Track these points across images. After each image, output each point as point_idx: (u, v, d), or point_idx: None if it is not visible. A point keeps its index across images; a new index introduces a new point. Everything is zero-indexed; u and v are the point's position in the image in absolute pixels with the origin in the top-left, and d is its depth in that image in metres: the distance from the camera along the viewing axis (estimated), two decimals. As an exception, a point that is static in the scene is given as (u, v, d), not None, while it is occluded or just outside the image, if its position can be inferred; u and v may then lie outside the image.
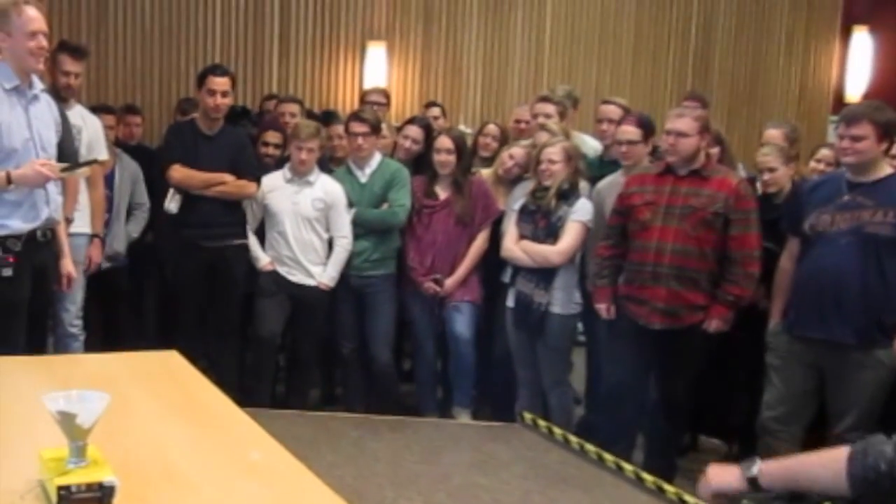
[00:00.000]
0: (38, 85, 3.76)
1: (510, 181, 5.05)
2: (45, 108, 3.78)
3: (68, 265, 3.93)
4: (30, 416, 2.08)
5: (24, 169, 3.55)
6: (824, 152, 4.55)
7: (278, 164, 5.21)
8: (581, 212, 4.55)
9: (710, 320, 4.05)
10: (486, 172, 5.14)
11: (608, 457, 4.28)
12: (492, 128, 5.52)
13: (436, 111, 6.35)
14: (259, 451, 2.14)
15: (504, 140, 5.45)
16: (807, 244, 3.88)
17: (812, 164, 4.52)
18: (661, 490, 3.98)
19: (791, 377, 3.90)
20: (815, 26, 8.60)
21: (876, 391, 3.72)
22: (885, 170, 3.77)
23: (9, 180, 3.52)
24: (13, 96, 3.62)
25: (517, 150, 5.05)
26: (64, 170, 3.72)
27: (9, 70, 3.60)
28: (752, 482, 1.91)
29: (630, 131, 4.55)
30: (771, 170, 4.38)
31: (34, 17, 3.59)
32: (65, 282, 3.94)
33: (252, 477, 1.97)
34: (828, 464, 1.85)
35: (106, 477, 1.77)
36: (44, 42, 3.65)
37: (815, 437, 3.89)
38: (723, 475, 1.97)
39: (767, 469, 1.90)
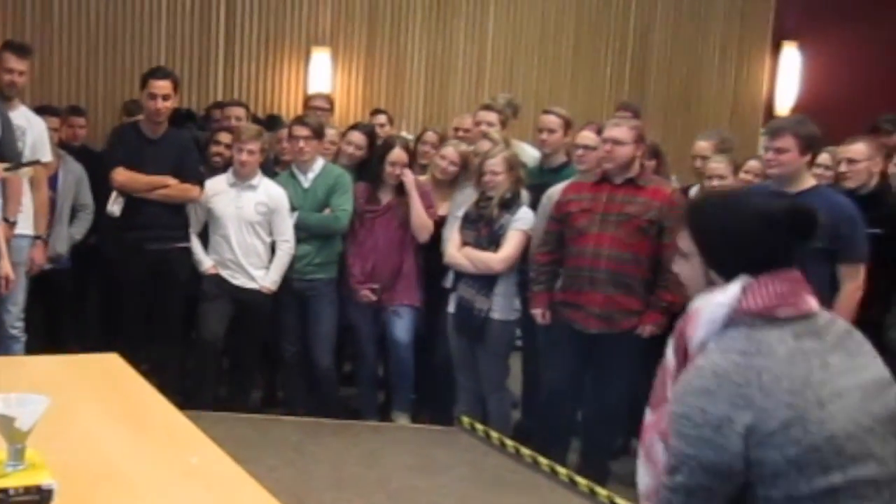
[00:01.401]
0: None
1: (448, 183, 5.13)
2: None
3: (6, 267, 3.92)
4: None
5: None
6: (752, 164, 4.68)
7: (228, 165, 5.23)
8: (522, 220, 4.64)
9: (644, 326, 4.16)
10: (423, 179, 5.21)
11: (543, 460, 4.37)
12: (430, 135, 5.60)
13: (382, 118, 6.41)
14: (199, 454, 2.18)
15: None
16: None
17: (742, 175, 4.65)
18: (593, 493, 4.08)
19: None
20: (748, 40, 8.80)
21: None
22: (808, 181, 3.91)
23: None
24: None
25: (449, 151, 5.13)
26: (7, 169, 3.72)
27: None
28: None
29: (588, 137, 4.66)
30: (721, 177, 4.49)
31: None
32: (3, 284, 3.92)
33: (192, 480, 2.01)
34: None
35: (44, 480, 1.79)
36: None
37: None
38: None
39: None
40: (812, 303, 1.87)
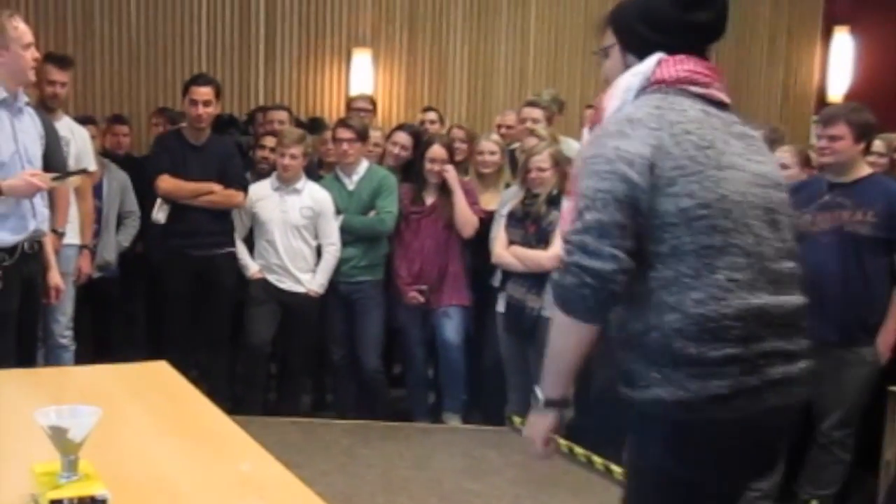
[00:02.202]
0: (23, 98, 3.77)
1: (491, 177, 5.13)
2: (30, 121, 3.80)
3: (55, 277, 3.94)
4: (22, 430, 2.08)
5: (14, 180, 3.57)
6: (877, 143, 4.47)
7: (275, 169, 5.23)
8: (570, 216, 4.57)
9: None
10: (465, 179, 5.18)
11: (597, 460, 4.31)
12: (456, 132, 5.58)
13: (432, 115, 6.38)
14: (249, 461, 2.15)
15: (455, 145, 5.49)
16: (790, 245, 3.92)
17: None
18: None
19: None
20: (797, 28, 8.64)
21: (860, 389, 3.77)
22: (863, 170, 3.82)
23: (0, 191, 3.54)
24: (1, 109, 3.64)
25: (485, 143, 5.19)
26: (54, 179, 3.74)
27: None
28: (550, 403, 2.03)
29: None
30: (784, 167, 4.38)
31: (25, 29, 3.62)
32: (53, 294, 3.95)
33: (243, 488, 1.99)
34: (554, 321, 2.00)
35: (98, 490, 1.78)
36: (37, 54, 3.71)
37: (802, 436, 3.93)
38: (535, 428, 2.05)
39: (542, 384, 2.03)
40: (724, 97, 2.00)
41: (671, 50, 1.99)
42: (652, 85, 1.96)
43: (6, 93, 3.63)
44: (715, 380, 1.79)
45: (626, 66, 2.04)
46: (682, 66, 1.97)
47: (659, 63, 1.98)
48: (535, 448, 2.05)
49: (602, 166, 1.85)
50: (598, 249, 1.81)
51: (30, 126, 3.79)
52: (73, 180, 4.03)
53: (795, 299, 1.93)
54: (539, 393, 2.02)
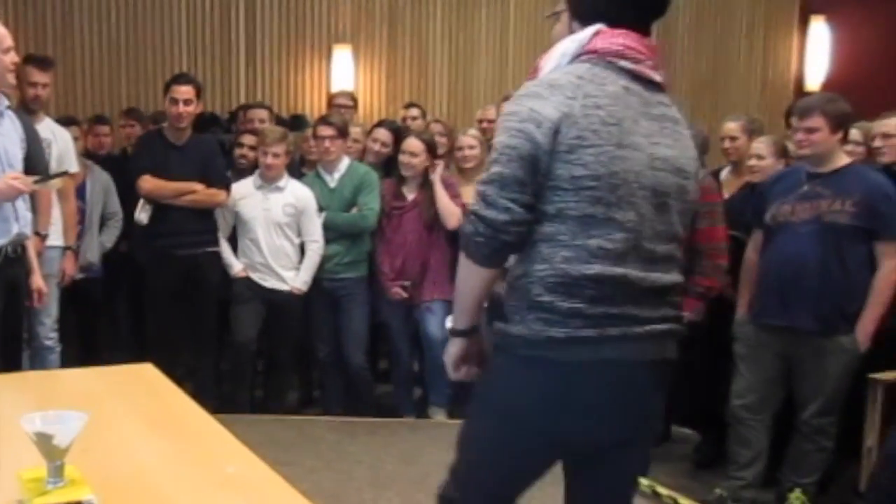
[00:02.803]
0: (3, 102, 3.76)
1: (471, 171, 5.14)
2: (10, 124, 3.79)
3: (38, 281, 3.94)
4: (7, 435, 2.09)
5: None
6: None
7: (254, 168, 5.23)
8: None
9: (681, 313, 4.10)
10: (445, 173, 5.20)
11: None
12: (435, 126, 5.60)
13: (414, 112, 6.39)
14: (235, 463, 2.17)
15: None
16: (769, 235, 3.96)
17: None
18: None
19: (758, 366, 3.97)
20: (775, 17, 8.68)
21: (840, 377, 3.80)
22: (842, 160, 3.85)
23: None
24: None
25: (463, 138, 5.25)
26: (36, 182, 3.73)
27: None
28: (457, 333, 2.20)
29: None
30: (759, 157, 4.41)
31: (5, 33, 3.61)
32: (35, 297, 3.95)
33: (229, 490, 2.00)
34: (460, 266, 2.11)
35: (85, 496, 1.79)
36: (16, 58, 3.70)
37: (785, 424, 3.98)
38: (447, 354, 2.22)
39: (453, 315, 2.19)
40: (656, 75, 2.06)
41: (614, 22, 2.06)
42: (585, 54, 2.04)
43: None
44: (556, 326, 1.96)
45: (571, 32, 2.12)
46: (616, 39, 2.04)
47: (596, 33, 2.06)
48: (450, 372, 2.22)
49: (514, 124, 1.97)
50: (496, 201, 1.96)
51: (10, 129, 3.78)
52: (55, 182, 4.02)
53: (667, 277, 2.05)
54: (449, 323, 2.20)
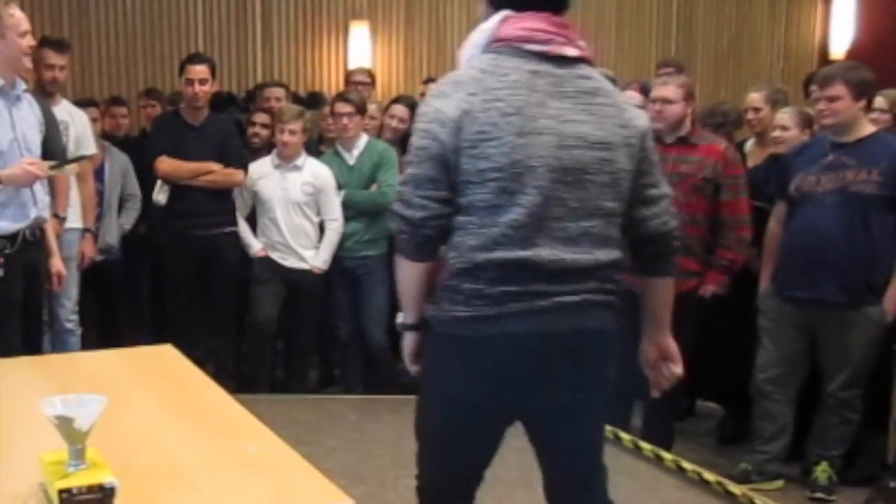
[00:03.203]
0: (21, 86, 3.75)
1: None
2: (28, 108, 3.78)
3: (58, 264, 3.94)
4: (29, 418, 2.08)
5: (12, 169, 3.56)
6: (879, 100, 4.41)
7: (267, 146, 5.21)
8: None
9: (706, 286, 4.07)
10: None
11: (606, 427, 4.30)
12: (400, 108, 5.56)
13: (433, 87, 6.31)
14: (256, 443, 2.16)
15: None
16: (793, 206, 3.91)
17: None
18: (659, 458, 4.03)
19: (782, 339, 3.93)
20: (799, -18, 8.57)
21: (866, 349, 3.76)
22: (866, 128, 3.79)
23: None
24: None
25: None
26: (52, 167, 3.73)
27: None
28: (406, 327, 2.28)
29: (633, 97, 4.58)
30: (784, 128, 4.34)
31: (23, 17, 3.59)
32: (55, 280, 3.96)
33: (251, 470, 1.99)
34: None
35: (106, 478, 1.78)
36: (33, 41, 3.68)
37: (810, 397, 3.94)
38: (404, 349, 2.32)
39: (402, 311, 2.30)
40: (569, 50, 2.11)
41: (520, 7, 2.12)
42: (494, 42, 2.12)
43: (2, 81, 3.61)
44: (460, 306, 2.09)
45: (486, 18, 2.17)
46: (521, 24, 2.11)
47: (503, 20, 2.12)
48: (408, 366, 2.32)
49: (422, 125, 2.10)
50: (412, 200, 2.10)
51: (28, 113, 3.77)
52: (72, 168, 4.02)
53: (588, 258, 2.11)
54: (399, 319, 2.31)
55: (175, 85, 5.91)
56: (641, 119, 2.24)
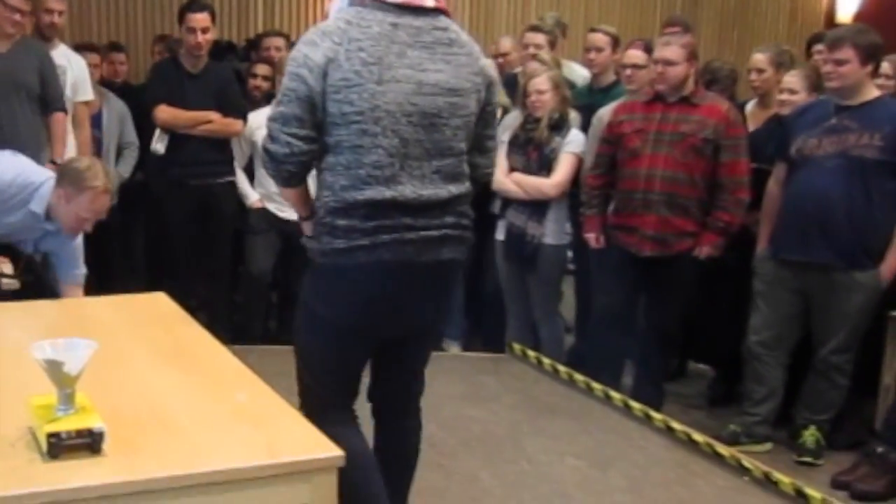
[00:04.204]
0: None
1: None
2: (48, 236, 3.48)
3: None
4: (18, 362, 2.09)
5: None
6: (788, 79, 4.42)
7: (267, 97, 5.17)
8: (574, 143, 4.54)
9: (701, 247, 4.06)
10: None
11: (597, 386, 4.33)
12: None
13: None
14: (246, 391, 2.17)
15: None
16: (793, 168, 3.89)
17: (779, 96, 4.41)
18: (648, 418, 4.04)
19: (776, 302, 3.93)
20: (806, -58, 8.46)
21: (860, 314, 3.76)
22: (871, 92, 3.76)
23: None
24: (28, 215, 3.36)
25: None
26: None
27: (44, 202, 3.32)
28: (302, 218, 2.49)
29: (636, 55, 4.54)
30: (792, 91, 4.29)
31: (98, 209, 3.35)
32: None
33: (241, 419, 2.00)
34: None
35: (95, 423, 1.78)
36: (89, 225, 3.41)
37: (801, 361, 3.95)
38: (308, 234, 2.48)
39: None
40: (427, 1, 2.30)
41: None
42: None
43: (41, 212, 3.35)
44: (338, 239, 2.31)
45: None
46: None
47: None
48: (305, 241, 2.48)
49: (292, 68, 2.28)
50: (278, 136, 2.30)
51: (42, 240, 3.50)
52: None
53: (443, 192, 2.35)
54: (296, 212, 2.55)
55: (175, 30, 5.85)
56: (491, 69, 2.49)
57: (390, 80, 2.25)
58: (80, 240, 3.55)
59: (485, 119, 2.46)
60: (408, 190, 2.30)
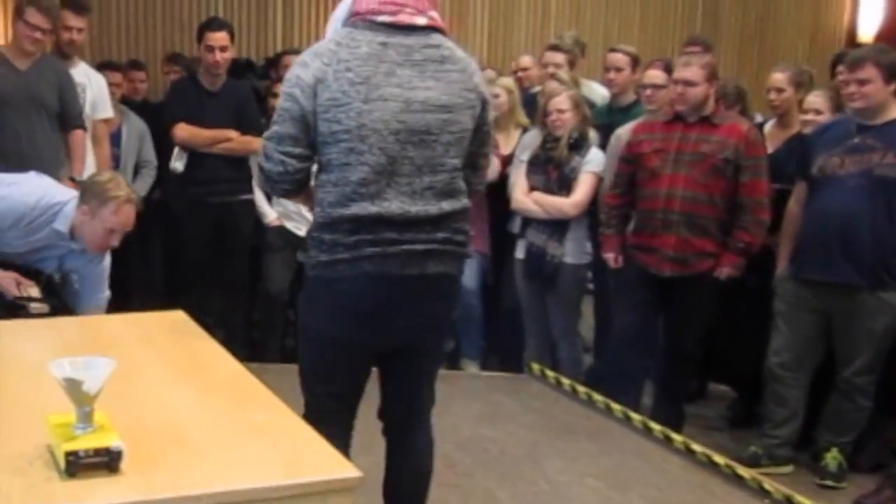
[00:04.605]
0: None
1: (503, 120, 5.05)
2: (75, 255, 3.46)
3: None
4: (37, 380, 2.08)
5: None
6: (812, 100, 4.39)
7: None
8: (594, 162, 4.53)
9: (721, 268, 4.03)
10: None
11: (616, 406, 4.30)
12: (489, 73, 5.48)
13: None
14: (264, 411, 2.15)
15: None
16: (814, 187, 3.85)
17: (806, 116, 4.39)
18: (668, 439, 4.01)
19: (797, 323, 3.89)
20: (828, -39, 8.43)
21: (884, 335, 3.72)
22: (894, 111, 3.73)
23: None
24: (52, 233, 3.33)
25: (493, 88, 5.05)
26: (20, 298, 3.33)
27: (68, 220, 3.31)
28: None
29: (656, 76, 4.53)
30: (817, 112, 4.27)
31: (124, 221, 3.33)
32: None
33: (258, 438, 1.98)
34: None
35: (113, 442, 1.77)
36: (116, 240, 3.39)
37: (823, 383, 3.90)
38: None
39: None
40: (419, 19, 2.35)
41: None
42: (352, 17, 2.37)
43: (65, 230, 3.33)
44: (323, 253, 2.38)
45: None
46: None
47: None
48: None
49: (286, 88, 2.36)
50: (272, 155, 2.39)
51: (68, 258, 3.46)
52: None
53: (430, 207, 2.38)
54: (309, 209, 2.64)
55: (194, 49, 5.88)
56: (485, 88, 2.50)
57: (377, 98, 2.30)
58: (107, 261, 3.55)
59: (480, 139, 2.48)
60: (394, 206, 2.34)
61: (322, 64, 2.30)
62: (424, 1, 2.39)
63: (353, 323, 2.41)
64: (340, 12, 2.43)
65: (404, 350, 2.53)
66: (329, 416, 2.48)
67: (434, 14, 2.40)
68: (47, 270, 3.45)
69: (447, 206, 2.40)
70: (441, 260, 2.42)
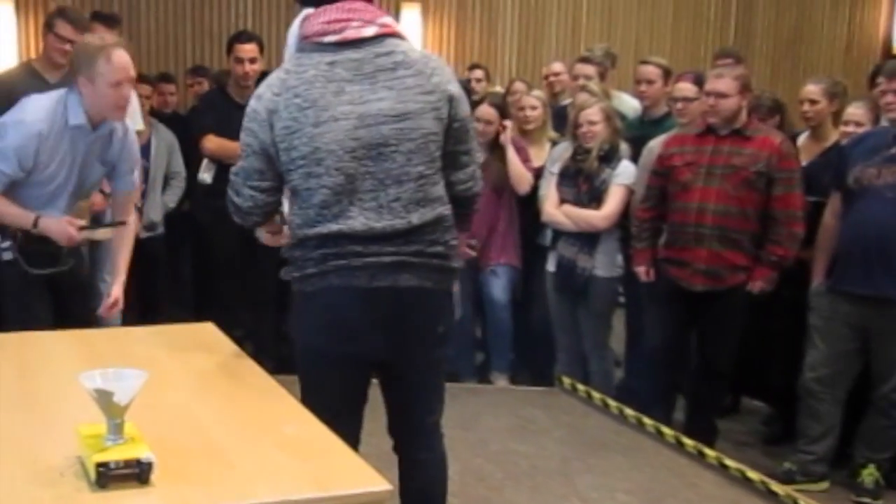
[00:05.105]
0: (110, 126, 3.41)
1: (535, 132, 5.08)
2: (106, 146, 3.45)
3: (117, 291, 3.62)
4: (68, 391, 2.09)
5: (52, 221, 3.33)
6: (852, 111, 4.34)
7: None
8: (624, 175, 4.50)
9: (754, 282, 3.98)
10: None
11: (648, 421, 4.25)
12: (519, 85, 5.52)
13: (478, 73, 6.28)
14: (293, 423, 2.14)
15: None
16: (850, 199, 3.80)
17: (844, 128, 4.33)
18: (701, 454, 3.96)
19: (834, 338, 3.83)
20: (862, -24, 8.36)
21: (924, 351, 3.66)
22: (933, 122, 3.68)
23: (35, 224, 3.31)
24: (74, 132, 3.30)
25: (527, 99, 5.13)
26: (83, 228, 3.45)
27: (79, 109, 3.26)
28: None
29: (686, 88, 4.49)
30: (858, 124, 4.22)
31: (122, 65, 3.21)
32: (108, 304, 3.61)
33: (287, 451, 1.97)
34: None
35: (143, 454, 1.77)
36: (127, 91, 3.28)
37: (858, 398, 3.84)
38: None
39: None
40: (366, 31, 2.32)
41: (319, 2, 2.37)
42: (302, 40, 2.38)
43: (84, 121, 3.30)
44: (296, 269, 2.44)
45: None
46: (318, 19, 2.35)
47: (304, 19, 2.38)
48: (259, 236, 2.75)
49: (246, 122, 2.40)
50: (241, 190, 2.45)
51: (105, 152, 3.45)
52: (104, 232, 3.76)
53: (397, 221, 2.36)
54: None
55: (223, 62, 5.91)
56: (451, 84, 2.41)
57: (328, 119, 2.30)
58: (133, 136, 3.56)
59: (455, 135, 2.42)
60: (358, 223, 2.34)
61: (273, 95, 2.32)
62: (372, 10, 2.38)
63: (333, 335, 2.42)
64: (292, 39, 2.46)
65: (393, 364, 2.52)
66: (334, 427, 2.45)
67: (385, 20, 2.38)
68: (97, 180, 3.56)
69: (417, 218, 2.37)
70: (415, 273, 2.39)
